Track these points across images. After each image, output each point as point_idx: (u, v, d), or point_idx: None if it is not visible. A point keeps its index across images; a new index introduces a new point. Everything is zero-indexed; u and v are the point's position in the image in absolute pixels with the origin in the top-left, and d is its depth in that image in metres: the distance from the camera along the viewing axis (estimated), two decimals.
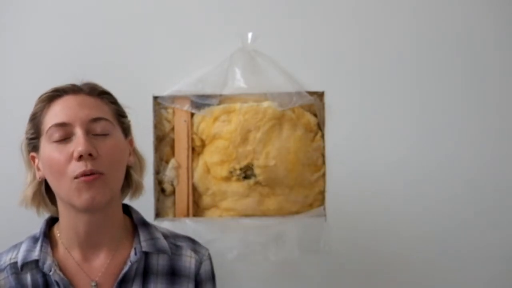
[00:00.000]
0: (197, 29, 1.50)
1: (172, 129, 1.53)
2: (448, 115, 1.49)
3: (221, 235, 1.47)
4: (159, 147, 1.53)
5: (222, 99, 1.51)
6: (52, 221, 1.16)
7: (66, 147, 1.05)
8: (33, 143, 1.11)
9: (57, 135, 1.06)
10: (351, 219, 1.50)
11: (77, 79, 1.14)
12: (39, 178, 1.11)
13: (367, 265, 1.49)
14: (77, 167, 1.04)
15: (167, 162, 1.53)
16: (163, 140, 1.53)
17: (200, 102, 1.51)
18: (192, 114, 1.52)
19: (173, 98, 1.51)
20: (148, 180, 1.44)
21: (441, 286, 1.49)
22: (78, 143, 1.04)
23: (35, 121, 1.10)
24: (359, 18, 1.50)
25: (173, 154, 1.53)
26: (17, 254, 1.11)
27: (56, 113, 1.08)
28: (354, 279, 1.49)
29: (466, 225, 1.49)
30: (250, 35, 1.48)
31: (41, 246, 1.10)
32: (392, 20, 1.50)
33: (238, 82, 1.49)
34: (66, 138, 1.06)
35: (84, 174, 1.03)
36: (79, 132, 1.05)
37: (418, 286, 1.49)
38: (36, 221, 1.17)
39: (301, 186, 1.51)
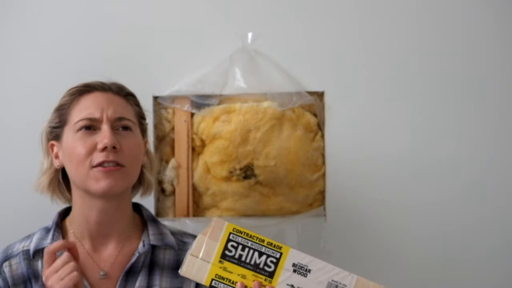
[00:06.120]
0: (197, 29, 1.50)
1: (172, 129, 1.53)
2: (448, 115, 1.49)
3: None
4: (159, 147, 1.53)
5: (222, 99, 1.51)
6: (64, 214, 1.22)
7: (90, 138, 1.12)
8: (55, 132, 1.17)
9: (83, 127, 1.12)
10: (351, 219, 1.50)
11: (105, 77, 1.20)
12: (57, 166, 1.17)
13: (367, 265, 1.48)
14: (98, 157, 1.10)
15: (167, 162, 1.53)
16: (163, 140, 1.53)
17: (200, 102, 1.51)
18: (192, 114, 1.52)
19: (173, 98, 1.51)
20: None
21: (442, 285, 1.49)
22: (104, 136, 1.11)
23: (62, 111, 1.17)
24: (359, 18, 1.50)
25: (173, 154, 1.53)
26: (30, 242, 1.17)
27: (85, 107, 1.14)
28: None
29: (467, 224, 1.49)
30: (250, 35, 1.48)
31: (53, 235, 1.16)
32: (392, 20, 1.50)
33: (238, 82, 1.49)
34: (91, 131, 1.13)
35: (104, 163, 1.10)
36: (105, 127, 1.12)
37: (419, 285, 1.49)
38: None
39: (301, 186, 1.51)
